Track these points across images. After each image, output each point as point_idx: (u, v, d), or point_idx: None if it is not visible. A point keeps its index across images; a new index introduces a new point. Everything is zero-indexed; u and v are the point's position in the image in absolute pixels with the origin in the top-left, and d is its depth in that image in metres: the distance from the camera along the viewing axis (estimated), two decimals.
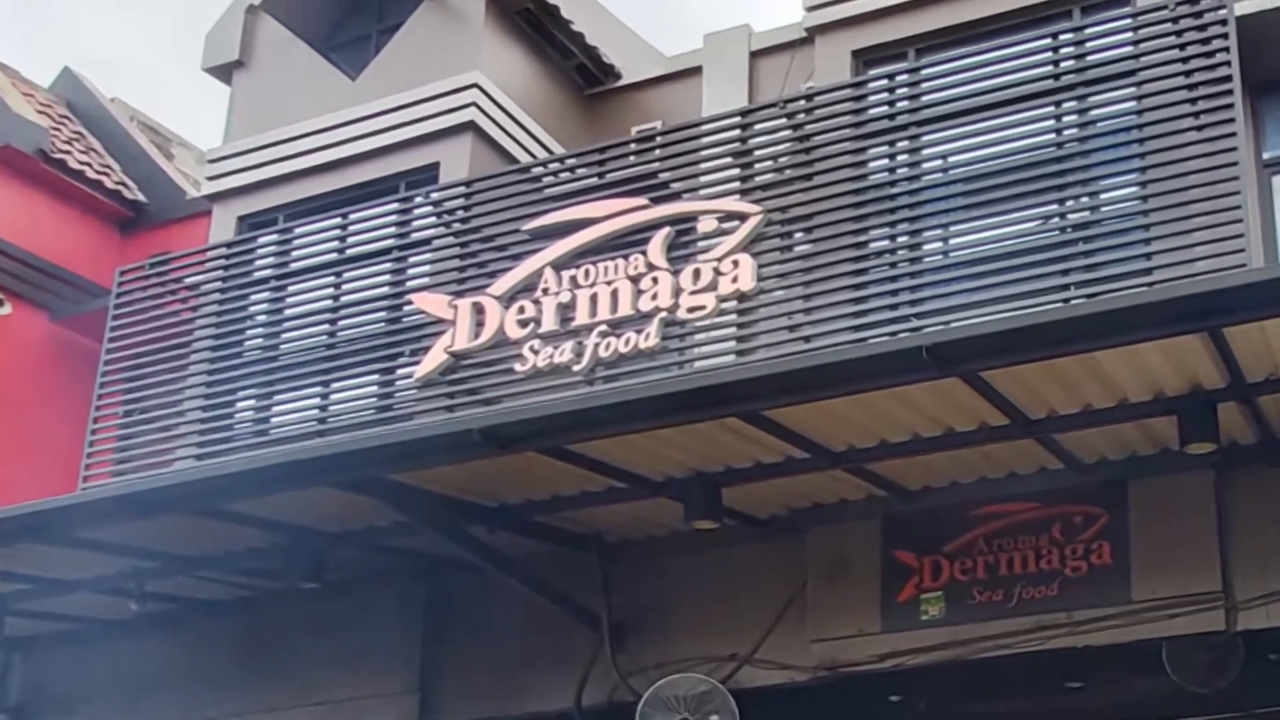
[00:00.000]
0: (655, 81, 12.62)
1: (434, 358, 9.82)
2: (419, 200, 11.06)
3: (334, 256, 11.22)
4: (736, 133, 9.75)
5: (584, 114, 12.88)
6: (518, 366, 9.53)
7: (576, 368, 9.32)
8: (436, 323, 9.90)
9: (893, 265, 9.00)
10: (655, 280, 9.26)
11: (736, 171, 9.63)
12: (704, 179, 9.72)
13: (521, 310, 9.64)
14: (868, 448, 7.90)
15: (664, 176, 9.81)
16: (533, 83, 12.45)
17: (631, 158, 10.21)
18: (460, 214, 10.52)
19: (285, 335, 10.98)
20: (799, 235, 9.31)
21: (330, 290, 11.08)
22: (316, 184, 12.09)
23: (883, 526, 8.75)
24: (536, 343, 9.49)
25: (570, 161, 10.68)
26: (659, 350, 9.10)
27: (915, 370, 6.66)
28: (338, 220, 11.43)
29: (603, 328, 9.25)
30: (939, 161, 9.15)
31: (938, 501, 8.57)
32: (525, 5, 12.14)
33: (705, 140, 9.86)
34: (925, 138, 9.18)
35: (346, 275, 11.06)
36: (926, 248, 9.05)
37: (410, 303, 10.38)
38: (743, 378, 7.16)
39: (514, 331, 9.58)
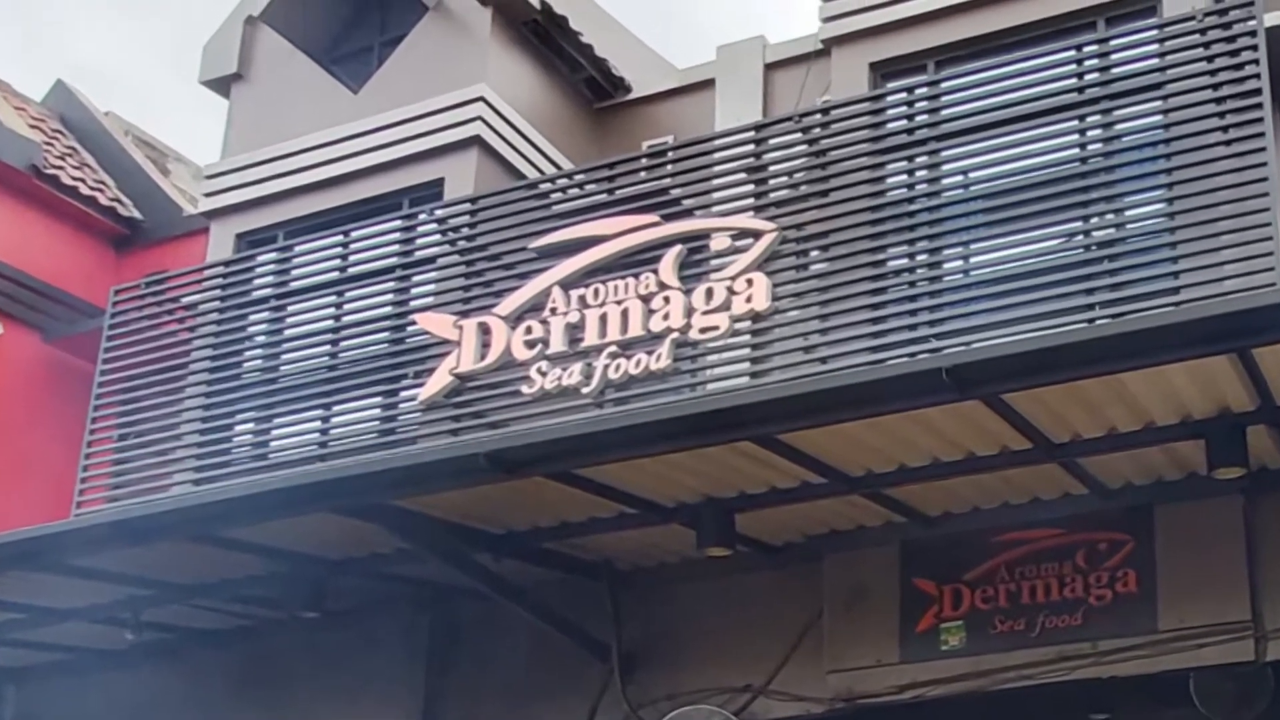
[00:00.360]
0: (667, 95, 12.59)
1: (438, 380, 9.75)
2: (423, 217, 11.02)
3: (335, 275, 11.18)
4: (750, 147, 9.71)
5: (593, 128, 12.87)
6: (525, 389, 9.45)
7: (585, 390, 9.23)
8: (441, 344, 9.86)
9: (911, 284, 8.96)
10: (667, 300, 9.21)
11: (750, 188, 9.60)
12: (717, 195, 9.67)
13: (529, 330, 9.58)
14: (886, 472, 7.92)
15: (675, 193, 9.77)
16: (540, 96, 12.45)
17: (642, 173, 10.20)
18: (465, 231, 10.49)
19: (285, 356, 10.98)
20: (815, 253, 9.29)
21: (331, 310, 11.05)
22: (317, 200, 12.09)
23: (901, 554, 8.78)
24: (544, 364, 9.42)
25: (579, 177, 10.65)
26: (670, 372, 9.04)
27: (935, 392, 6.70)
28: (339, 238, 11.40)
29: (613, 349, 9.23)
30: (959, 177, 9.11)
31: (958, 528, 8.60)
32: (533, 16, 12.16)
33: (718, 155, 9.82)
34: (945, 153, 9.14)
35: (348, 295, 11.03)
36: (946, 266, 9.03)
37: (414, 323, 10.33)
38: (756, 400, 7.22)
39: (521, 353, 9.52)
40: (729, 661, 9.07)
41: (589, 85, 12.86)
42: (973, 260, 9.00)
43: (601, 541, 8.95)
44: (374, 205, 11.83)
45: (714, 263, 9.25)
